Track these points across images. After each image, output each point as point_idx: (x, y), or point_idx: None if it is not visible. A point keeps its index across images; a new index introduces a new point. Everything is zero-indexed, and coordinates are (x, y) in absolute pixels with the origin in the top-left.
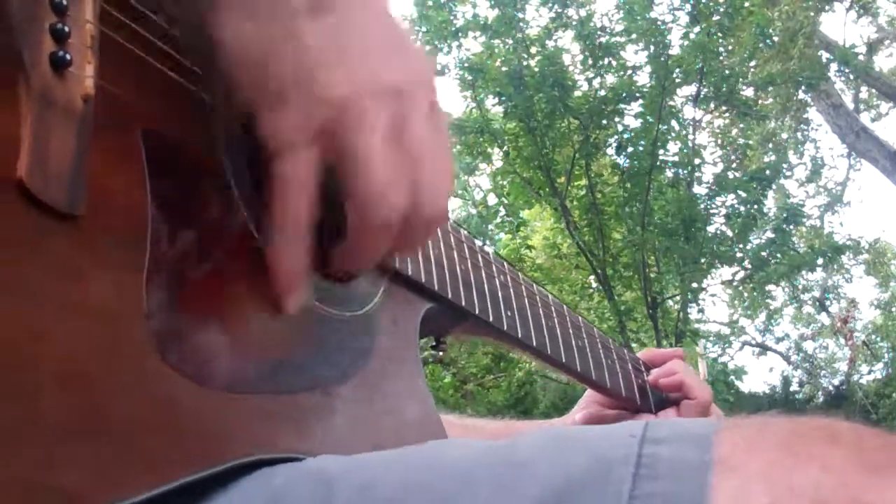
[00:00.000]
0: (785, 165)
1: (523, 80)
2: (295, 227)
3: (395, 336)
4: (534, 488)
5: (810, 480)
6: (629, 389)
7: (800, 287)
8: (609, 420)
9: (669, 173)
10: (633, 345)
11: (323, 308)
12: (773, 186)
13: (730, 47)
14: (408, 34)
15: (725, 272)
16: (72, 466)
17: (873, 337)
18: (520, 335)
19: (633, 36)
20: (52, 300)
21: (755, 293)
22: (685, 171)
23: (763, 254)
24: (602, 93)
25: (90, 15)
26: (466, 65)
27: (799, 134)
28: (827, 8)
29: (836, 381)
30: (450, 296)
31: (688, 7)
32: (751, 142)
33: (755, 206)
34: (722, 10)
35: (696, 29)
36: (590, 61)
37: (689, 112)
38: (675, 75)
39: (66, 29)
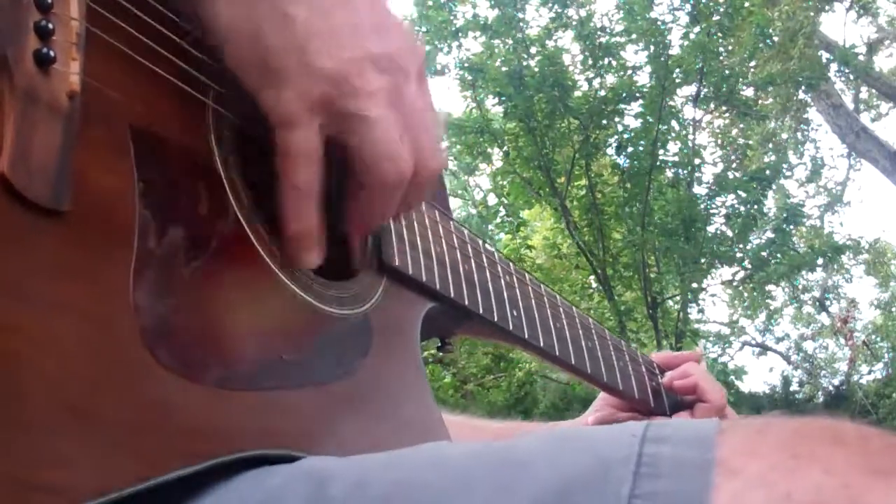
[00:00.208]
0: (785, 165)
1: (523, 80)
2: (306, 195)
3: (394, 335)
4: (533, 488)
5: (812, 483)
6: (642, 391)
7: (800, 287)
8: (621, 420)
9: (669, 173)
10: (633, 345)
11: (319, 306)
12: (773, 186)
13: (730, 47)
14: (390, 9)
15: (725, 272)
16: (60, 463)
17: (873, 337)
18: (526, 335)
19: (633, 36)
20: (38, 296)
21: (755, 293)
22: (685, 171)
23: (763, 254)
24: (602, 93)
25: (76, 12)
26: (466, 65)
27: (799, 134)
28: (827, 8)
29: (836, 381)
30: (452, 295)
31: (688, 7)
32: (751, 142)
33: (755, 206)
34: (722, 10)
35: (696, 29)
36: (590, 61)
37: (689, 112)
38: (675, 75)
39: (51, 26)
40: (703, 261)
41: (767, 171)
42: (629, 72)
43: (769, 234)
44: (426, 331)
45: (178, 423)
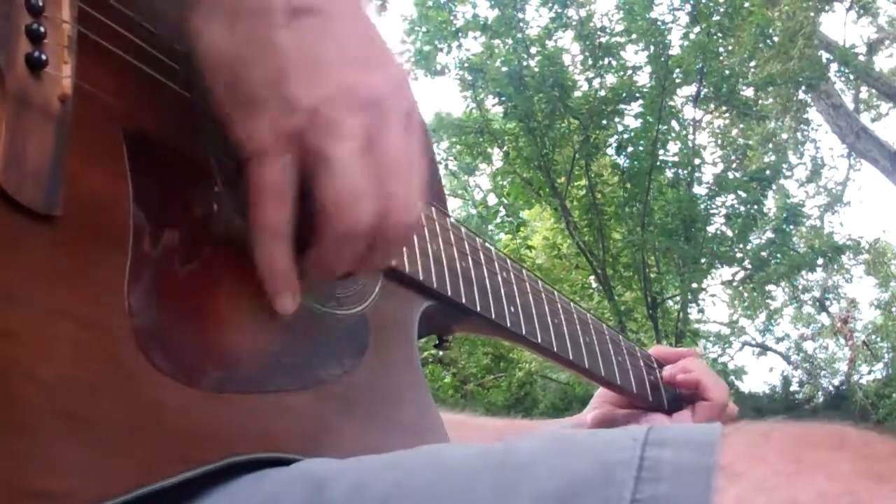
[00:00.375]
0: (785, 165)
1: (523, 80)
2: (277, 234)
3: (391, 334)
4: (534, 491)
5: (816, 488)
6: (640, 385)
7: (800, 287)
8: (620, 419)
9: (669, 173)
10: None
11: (315, 306)
12: (773, 186)
13: (730, 47)
14: (386, 43)
15: (725, 272)
16: (56, 470)
17: (873, 337)
18: (524, 332)
19: (633, 36)
20: (33, 302)
21: (755, 293)
22: (685, 172)
23: (763, 254)
24: (602, 93)
25: (67, 15)
26: (466, 65)
27: (799, 134)
28: (827, 8)
29: (836, 381)
30: (449, 293)
31: (688, 7)
32: (751, 142)
33: (755, 207)
34: (722, 10)
35: (696, 29)
36: (590, 61)
37: (689, 112)
38: (675, 75)
39: (42, 29)
40: (703, 261)
41: (767, 172)
42: (629, 72)
43: (769, 235)
44: (424, 328)
45: (175, 428)
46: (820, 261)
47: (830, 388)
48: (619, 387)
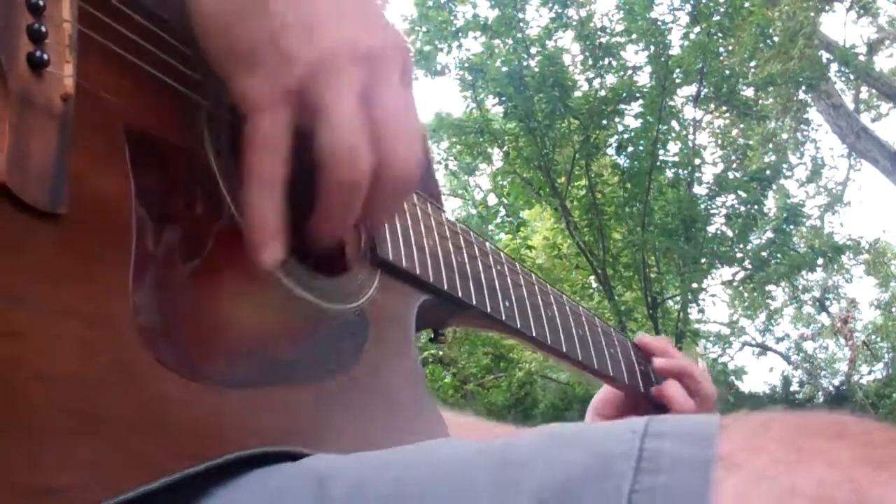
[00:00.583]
0: (785, 166)
1: (523, 80)
2: (268, 184)
3: (389, 329)
4: (534, 486)
5: (816, 476)
6: (632, 376)
7: (800, 287)
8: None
9: (669, 173)
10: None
11: (315, 301)
12: (774, 187)
13: (730, 47)
14: (378, 2)
15: (725, 272)
16: (65, 468)
17: (873, 337)
18: (519, 325)
19: (634, 36)
20: (38, 301)
21: (755, 293)
22: (685, 172)
23: (763, 254)
24: (602, 93)
25: (67, 14)
26: (466, 65)
27: (799, 134)
28: (827, 8)
29: (836, 382)
30: (445, 287)
31: (688, 7)
32: (751, 142)
33: (755, 207)
34: (722, 10)
35: (697, 29)
36: (590, 62)
37: (690, 112)
38: (675, 75)
39: (43, 29)
40: (703, 261)
41: (767, 172)
42: (629, 72)
43: (769, 235)
44: (420, 323)
45: (181, 424)
46: (820, 261)
47: (830, 388)
48: (612, 378)
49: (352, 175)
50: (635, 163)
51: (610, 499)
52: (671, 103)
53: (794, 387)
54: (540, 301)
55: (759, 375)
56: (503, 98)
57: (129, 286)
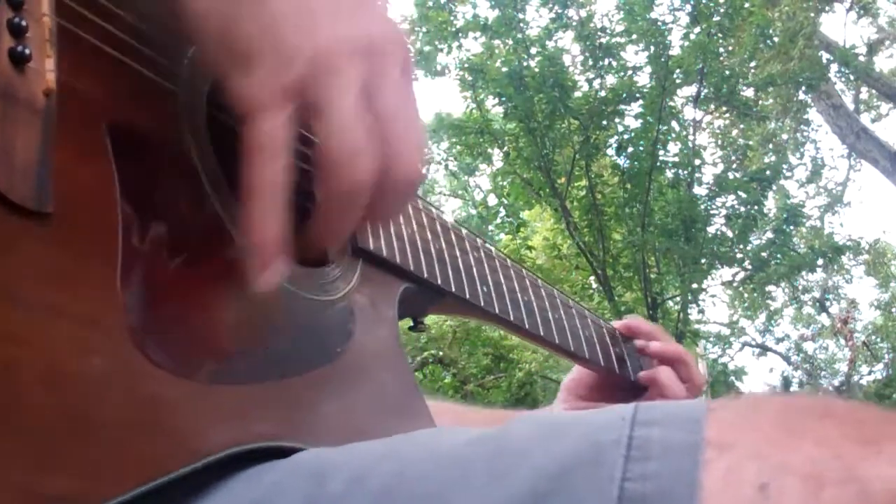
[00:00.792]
0: (785, 166)
1: (523, 80)
2: (270, 196)
3: (373, 318)
4: (529, 475)
5: (806, 454)
6: (607, 358)
7: (800, 288)
8: (587, 409)
9: (670, 174)
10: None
11: (300, 293)
12: (774, 187)
13: (730, 48)
14: None
15: (725, 273)
16: (61, 470)
17: (873, 338)
18: (497, 310)
19: (634, 36)
20: (29, 301)
21: (755, 294)
22: (685, 172)
23: (763, 254)
24: (602, 93)
25: (47, 8)
26: (466, 65)
27: (799, 135)
28: (827, 8)
29: (836, 382)
30: (425, 275)
31: (688, 7)
32: (751, 142)
33: (755, 207)
34: (722, 10)
35: (697, 29)
36: (590, 62)
37: (690, 113)
38: (675, 76)
39: (24, 23)
40: (703, 261)
41: (768, 172)
42: (629, 72)
43: (769, 235)
44: (399, 311)
45: (174, 422)
46: (820, 261)
47: (830, 388)
48: (587, 360)
49: (354, 180)
50: (635, 163)
51: (603, 486)
52: (671, 104)
53: (794, 387)
54: (517, 286)
55: (759, 376)
56: (503, 98)
57: (118, 284)
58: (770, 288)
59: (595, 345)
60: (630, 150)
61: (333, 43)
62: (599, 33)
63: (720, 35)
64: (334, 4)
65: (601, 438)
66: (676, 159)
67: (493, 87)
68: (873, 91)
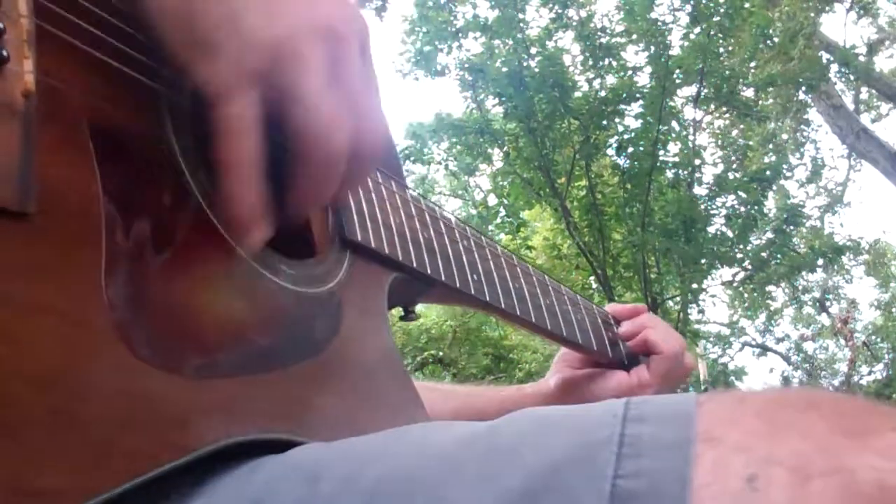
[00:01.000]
0: (785, 166)
1: (523, 80)
2: (245, 168)
3: (363, 309)
4: (521, 473)
5: (791, 446)
6: (600, 343)
7: (800, 288)
8: (582, 380)
9: (670, 174)
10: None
11: (287, 286)
12: (774, 187)
13: (730, 48)
14: None
15: (726, 273)
16: (50, 466)
17: (873, 338)
18: (488, 298)
19: (634, 37)
20: (14, 300)
21: (755, 294)
22: (685, 172)
23: (763, 254)
24: (602, 93)
25: (24, 9)
26: (466, 65)
27: (799, 135)
28: (827, 9)
29: (836, 382)
30: (414, 264)
31: (688, 8)
32: (751, 143)
33: (755, 207)
34: (722, 10)
35: (697, 30)
36: (590, 62)
37: (690, 113)
38: (675, 76)
39: (1, 25)
40: (703, 261)
41: (768, 172)
42: (629, 72)
43: (769, 235)
44: (389, 301)
45: (162, 416)
46: (820, 261)
47: (830, 388)
48: (580, 345)
49: (332, 150)
50: (635, 163)
51: (595, 483)
52: (671, 104)
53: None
54: (507, 273)
55: (760, 376)
56: (503, 98)
57: (102, 281)
58: (770, 288)
59: (587, 330)
60: (630, 150)
61: (295, 27)
62: (599, 33)
63: (720, 35)
64: None
65: (592, 436)
66: (676, 159)
67: (493, 87)
68: (873, 91)
